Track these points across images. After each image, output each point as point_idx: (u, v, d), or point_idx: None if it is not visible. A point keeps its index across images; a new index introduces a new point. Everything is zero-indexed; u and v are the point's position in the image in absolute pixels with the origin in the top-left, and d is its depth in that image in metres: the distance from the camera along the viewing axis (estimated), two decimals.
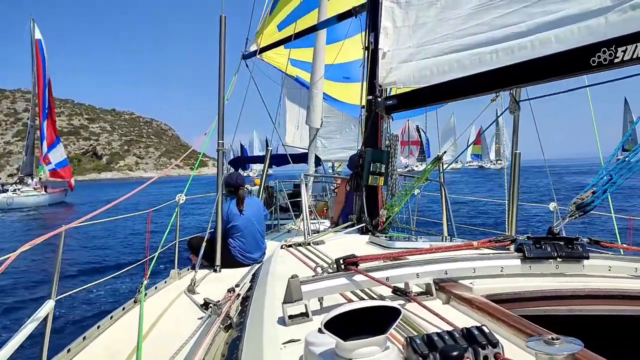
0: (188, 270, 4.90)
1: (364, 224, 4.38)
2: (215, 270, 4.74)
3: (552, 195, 5.08)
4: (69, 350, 2.88)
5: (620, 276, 2.08)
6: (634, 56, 2.37)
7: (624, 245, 2.47)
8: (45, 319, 2.52)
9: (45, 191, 39.76)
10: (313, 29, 6.58)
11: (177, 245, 4.93)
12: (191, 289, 4.01)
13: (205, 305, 3.24)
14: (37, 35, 39.28)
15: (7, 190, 37.56)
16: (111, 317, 3.51)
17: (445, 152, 5.09)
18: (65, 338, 3.70)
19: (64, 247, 2.80)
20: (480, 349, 1.19)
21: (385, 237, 3.56)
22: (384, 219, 4.43)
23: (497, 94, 4.29)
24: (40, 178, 40.06)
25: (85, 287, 3.87)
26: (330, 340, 1.22)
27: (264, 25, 8.11)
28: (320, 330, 1.31)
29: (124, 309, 3.68)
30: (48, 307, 2.52)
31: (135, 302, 3.80)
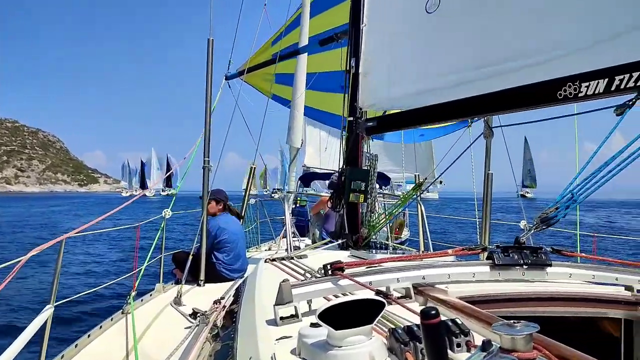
0: (172, 284, 4.98)
1: (343, 240, 4.53)
2: (198, 285, 4.85)
3: (523, 214, 5.33)
4: (62, 357, 2.97)
5: (579, 282, 2.30)
6: (596, 91, 2.58)
7: (583, 254, 2.68)
8: (45, 324, 2.61)
9: None
10: (296, 53, 6.81)
11: (162, 260, 5.01)
12: (177, 301, 4.12)
13: (194, 314, 3.36)
14: None
15: None
16: (100, 327, 3.60)
17: (425, 178, 5.36)
18: (57, 344, 3.78)
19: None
20: (454, 337, 1.37)
21: (366, 251, 3.73)
22: (364, 236, 4.59)
23: (472, 121, 4.55)
24: None
25: (79, 295, 3.95)
26: (321, 333, 1.38)
27: (261, 51, 8.30)
28: (312, 325, 1.47)
29: (112, 319, 3.77)
30: (47, 312, 2.62)
31: (122, 312, 3.89)
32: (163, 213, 4.76)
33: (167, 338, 3.13)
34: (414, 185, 5.04)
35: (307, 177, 11.16)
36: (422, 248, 5.70)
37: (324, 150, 14.88)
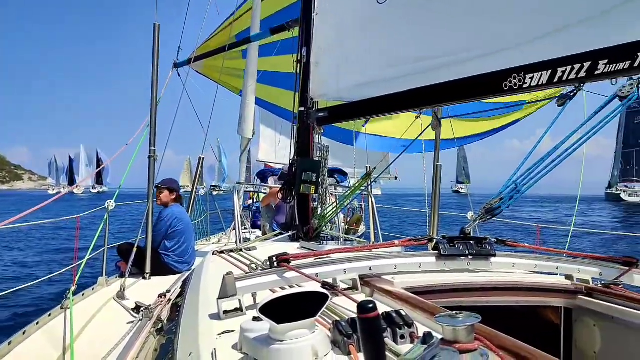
0: (116, 277, 4.82)
1: (294, 232, 4.48)
2: (144, 278, 4.70)
3: (470, 206, 5.45)
4: None
5: (522, 272, 2.34)
6: (540, 82, 2.63)
7: (526, 244, 2.75)
8: None
9: None
10: (247, 41, 6.69)
11: (105, 252, 4.83)
12: (121, 295, 3.98)
13: (137, 309, 3.25)
14: None
15: None
16: (37, 323, 3.43)
17: (375, 168, 5.35)
18: None
19: None
20: (397, 329, 1.35)
21: (316, 243, 3.71)
22: (315, 227, 4.55)
23: (421, 112, 4.58)
24: None
25: (11, 290, 3.74)
26: (263, 327, 1.33)
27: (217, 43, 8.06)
28: (254, 319, 1.42)
29: (50, 315, 3.60)
30: None
31: (62, 308, 3.71)
32: (106, 204, 4.58)
33: (108, 334, 3.02)
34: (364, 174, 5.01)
35: (265, 173, 11.08)
36: (372, 239, 5.73)
37: (277, 144, 14.81)
